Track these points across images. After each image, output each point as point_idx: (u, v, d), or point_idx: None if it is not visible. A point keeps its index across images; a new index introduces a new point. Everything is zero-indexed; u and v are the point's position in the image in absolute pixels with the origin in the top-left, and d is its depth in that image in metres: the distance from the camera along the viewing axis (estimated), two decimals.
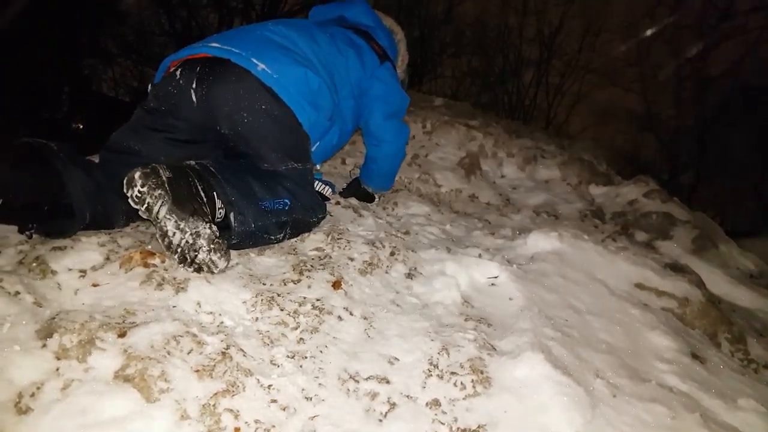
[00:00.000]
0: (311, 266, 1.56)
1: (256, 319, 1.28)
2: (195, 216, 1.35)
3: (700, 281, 2.19)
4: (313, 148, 1.81)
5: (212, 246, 1.35)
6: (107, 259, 1.40)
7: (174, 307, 1.24)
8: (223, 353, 1.11)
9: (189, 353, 1.09)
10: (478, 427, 1.10)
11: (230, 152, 1.68)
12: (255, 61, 1.60)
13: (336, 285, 1.48)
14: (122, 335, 1.08)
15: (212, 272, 1.36)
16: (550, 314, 1.54)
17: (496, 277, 1.72)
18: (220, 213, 1.45)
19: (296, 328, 1.28)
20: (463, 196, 2.95)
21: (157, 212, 1.32)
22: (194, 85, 1.57)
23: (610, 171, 3.57)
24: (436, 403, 1.15)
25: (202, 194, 1.40)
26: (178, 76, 1.60)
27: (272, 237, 1.61)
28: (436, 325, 1.40)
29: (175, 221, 1.33)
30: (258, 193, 1.54)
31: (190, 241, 1.33)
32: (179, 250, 1.34)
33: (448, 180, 2.99)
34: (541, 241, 1.98)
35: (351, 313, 1.38)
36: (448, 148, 3.37)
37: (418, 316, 1.43)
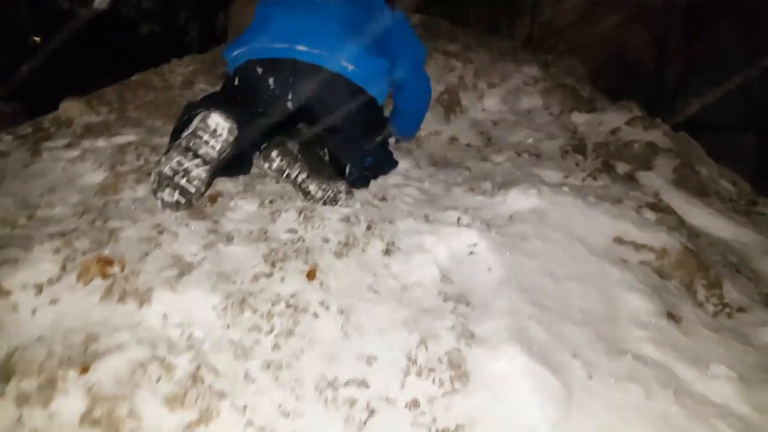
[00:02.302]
0: (284, 254, 1.50)
1: (228, 326, 1.25)
2: (331, 179, 1.74)
3: (680, 221, 2.19)
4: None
5: (347, 195, 1.78)
6: (63, 269, 1.33)
7: (139, 323, 1.20)
8: (194, 377, 1.08)
9: (158, 381, 1.06)
10: (457, 427, 1.10)
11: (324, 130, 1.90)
12: (345, 63, 1.79)
13: (310, 274, 1.44)
14: (85, 371, 1.04)
15: (348, 206, 1.76)
16: (528, 285, 1.53)
17: (475, 245, 1.69)
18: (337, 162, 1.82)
19: (271, 332, 1.25)
20: (442, 139, 2.84)
21: (297, 179, 1.71)
22: (290, 95, 1.79)
23: (594, 95, 3.45)
24: (414, 403, 1.15)
25: (327, 158, 1.78)
26: (272, 85, 1.78)
27: (363, 177, 1.96)
28: (415, 312, 1.38)
29: (317, 184, 1.72)
30: (354, 150, 1.88)
31: (331, 196, 1.74)
32: (321, 201, 1.73)
33: (427, 122, 2.86)
34: (520, 199, 1.92)
35: (327, 308, 1.34)
36: None
37: (396, 303, 1.40)
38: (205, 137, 1.53)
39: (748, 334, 1.70)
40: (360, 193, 1.94)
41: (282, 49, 1.76)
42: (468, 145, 2.83)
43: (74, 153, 2.13)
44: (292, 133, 1.81)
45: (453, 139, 2.84)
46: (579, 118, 3.23)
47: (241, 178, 1.90)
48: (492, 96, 3.28)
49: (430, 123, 2.86)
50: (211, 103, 1.65)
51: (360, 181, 1.96)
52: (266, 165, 1.73)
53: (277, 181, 1.87)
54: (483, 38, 4.68)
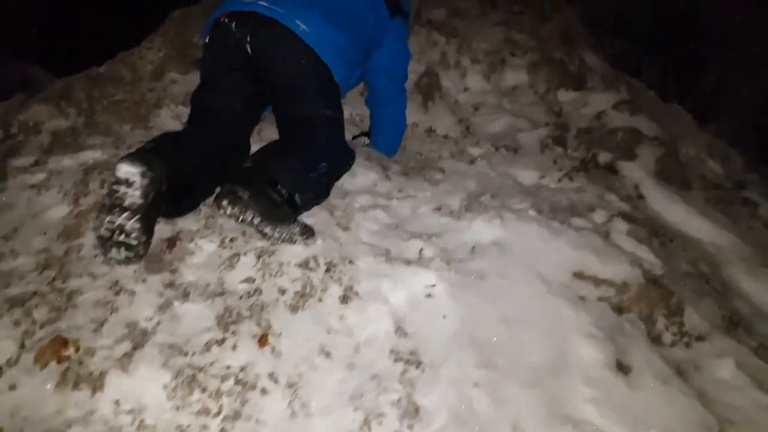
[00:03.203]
0: (237, 315, 1.53)
1: (177, 408, 1.30)
2: (285, 220, 1.76)
3: (652, 232, 2.18)
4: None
5: (304, 234, 1.78)
6: (22, 346, 1.38)
7: (92, 413, 1.26)
8: None
9: None
10: None
11: (277, 98, 2.01)
12: (298, 22, 1.84)
13: (262, 340, 1.47)
14: None
15: (307, 243, 1.78)
16: (480, 338, 1.56)
17: (433, 286, 1.71)
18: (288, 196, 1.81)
19: (218, 414, 1.30)
20: (419, 131, 2.78)
21: (252, 223, 1.72)
22: (249, 39, 1.86)
23: (583, 69, 3.28)
24: None
25: (277, 196, 1.76)
26: (234, 29, 1.87)
27: (322, 189, 1.99)
28: (364, 379, 1.42)
29: (271, 227, 1.73)
30: (304, 168, 1.87)
31: (287, 237, 1.76)
32: (280, 241, 1.76)
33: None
34: (484, 229, 1.91)
35: (276, 381, 1.39)
36: None
37: (346, 371, 1.44)
38: (122, 189, 1.53)
39: (702, 366, 1.74)
40: (323, 221, 1.93)
41: (247, 3, 1.88)
42: (446, 136, 2.77)
43: (40, 176, 2.11)
44: (242, 174, 1.79)
45: (430, 131, 2.77)
46: (565, 96, 3.13)
47: (203, 212, 1.90)
48: (475, 73, 3.14)
49: (408, 114, 2.77)
50: (135, 151, 1.65)
51: (319, 195, 1.97)
52: (220, 212, 1.75)
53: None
54: None
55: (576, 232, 1.94)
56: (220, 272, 1.68)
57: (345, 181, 2.19)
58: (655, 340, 1.78)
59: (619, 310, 1.78)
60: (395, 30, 2.23)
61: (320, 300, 1.63)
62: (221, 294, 1.61)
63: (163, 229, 1.83)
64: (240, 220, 1.72)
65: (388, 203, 2.11)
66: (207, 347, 1.44)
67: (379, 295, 1.66)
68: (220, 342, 1.46)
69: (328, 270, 1.72)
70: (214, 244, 1.78)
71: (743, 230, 2.49)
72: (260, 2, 1.87)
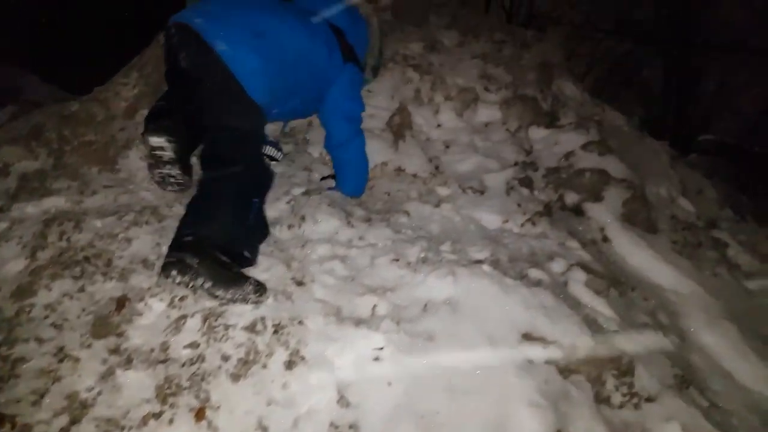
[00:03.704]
0: (177, 385, 1.54)
1: None
2: (236, 281, 1.78)
3: (611, 282, 2.18)
4: (270, 116, 2.21)
5: (256, 293, 1.79)
6: None
7: None
8: None
9: None
10: None
11: (194, 108, 2.02)
12: (220, 42, 1.93)
13: (199, 414, 1.48)
14: None
15: (258, 304, 1.80)
16: (423, 410, 1.56)
17: (381, 349, 1.71)
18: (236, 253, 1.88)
19: None
20: (388, 170, 2.78)
21: (203, 287, 1.74)
22: (182, 54, 1.98)
23: (556, 105, 3.29)
24: None
25: (225, 258, 1.80)
26: (175, 38, 2.01)
27: (262, 227, 2.07)
28: None
29: (223, 290, 1.76)
30: (240, 215, 1.92)
31: (240, 297, 1.77)
32: (231, 302, 1.78)
33: (373, 153, 2.78)
34: (436, 286, 1.91)
35: None
36: (380, 97, 3.07)
37: None
38: (158, 152, 1.90)
39: (649, 430, 1.75)
40: (278, 276, 1.94)
41: (189, 15, 2.00)
42: (415, 175, 2.77)
43: (3, 225, 2.14)
44: (185, 244, 1.79)
45: (399, 170, 2.78)
46: (537, 134, 3.13)
47: (156, 267, 1.91)
48: (448, 110, 3.15)
49: (377, 152, 2.78)
50: (147, 120, 1.97)
51: (263, 234, 2.07)
52: (168, 281, 1.75)
53: None
54: (460, 13, 4.43)
55: (528, 289, 1.94)
56: (165, 336, 1.69)
57: (306, 229, 2.20)
58: (604, 402, 1.78)
59: (566, 372, 1.78)
60: (348, 74, 2.36)
61: (264, 366, 1.64)
62: (164, 361, 1.62)
63: (114, 287, 1.85)
64: (190, 286, 1.74)
65: (347, 253, 2.11)
66: (144, 421, 1.45)
67: (325, 360, 1.67)
68: (158, 416, 1.47)
69: (276, 332, 1.73)
70: (163, 304, 1.80)
71: (707, 277, 2.49)
72: (197, 19, 1.98)
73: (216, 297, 1.77)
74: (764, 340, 2.26)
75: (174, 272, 1.71)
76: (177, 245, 1.77)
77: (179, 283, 1.72)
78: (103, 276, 1.88)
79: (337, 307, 1.85)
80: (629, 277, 2.42)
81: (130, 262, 1.93)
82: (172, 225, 2.04)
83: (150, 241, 2.02)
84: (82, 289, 1.84)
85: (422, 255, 2.11)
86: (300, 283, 1.93)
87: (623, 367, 1.85)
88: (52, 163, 2.51)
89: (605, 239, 2.61)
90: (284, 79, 2.10)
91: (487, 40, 4.08)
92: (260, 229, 2.06)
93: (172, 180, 1.98)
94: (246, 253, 1.89)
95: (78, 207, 2.22)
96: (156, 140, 1.87)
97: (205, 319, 1.72)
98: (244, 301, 1.78)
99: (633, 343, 1.97)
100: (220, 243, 1.79)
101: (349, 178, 2.49)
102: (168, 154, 1.90)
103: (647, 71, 7.47)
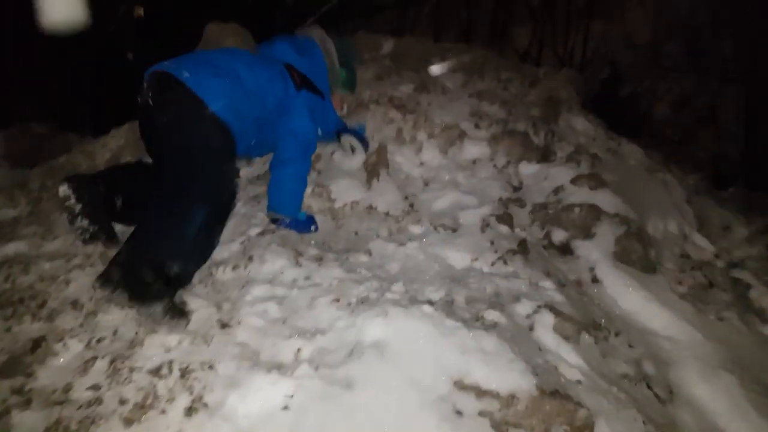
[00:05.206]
0: (65, 428, 1.45)
1: None
2: (151, 300, 1.75)
3: (580, 328, 1.93)
4: (241, 147, 2.26)
5: (166, 315, 1.77)
6: None
7: None
8: None
9: None
10: None
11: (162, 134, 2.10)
12: (185, 71, 2.07)
13: None
14: None
15: (176, 331, 1.78)
16: None
17: (291, 397, 1.56)
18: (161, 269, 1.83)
19: None
20: (359, 209, 2.68)
21: (123, 302, 1.79)
22: (149, 89, 2.10)
23: (548, 140, 3.10)
24: None
25: (149, 275, 1.77)
26: (146, 86, 2.12)
27: (203, 243, 2.02)
28: None
29: (138, 308, 1.78)
30: (175, 224, 1.89)
31: (150, 317, 1.76)
32: (153, 320, 1.77)
33: (344, 191, 2.71)
34: (367, 327, 1.74)
35: None
36: None
37: None
38: (67, 203, 2.09)
39: None
40: (204, 318, 1.85)
41: (157, 65, 2.14)
42: (387, 214, 2.65)
43: None
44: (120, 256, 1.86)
45: (370, 208, 2.66)
46: (527, 169, 2.95)
47: (85, 307, 1.88)
48: (431, 147, 3.04)
49: (348, 191, 2.70)
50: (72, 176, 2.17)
51: (203, 251, 2.04)
52: (96, 293, 1.90)
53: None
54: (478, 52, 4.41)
55: (469, 332, 1.73)
56: (72, 377, 1.63)
57: (252, 270, 2.12)
58: None
59: (503, 426, 1.54)
60: (301, 101, 2.47)
61: (163, 412, 1.53)
62: (61, 403, 1.54)
63: (39, 328, 1.82)
64: (112, 300, 1.82)
65: (287, 293, 2.00)
66: None
67: (228, 407, 1.53)
68: None
69: (183, 376, 1.62)
70: (81, 344, 1.75)
71: (710, 322, 2.16)
72: (164, 63, 2.14)
73: (137, 311, 1.81)
74: None
75: (97, 284, 1.80)
76: (112, 261, 1.85)
77: (102, 297, 1.84)
78: (32, 317, 1.87)
79: (256, 352, 1.72)
80: (616, 322, 2.13)
81: (61, 304, 1.91)
82: None
83: (87, 284, 2.00)
84: (9, 330, 1.83)
85: (365, 295, 1.96)
86: (225, 326, 1.83)
87: (578, 422, 1.58)
88: (28, 210, 2.62)
89: (594, 280, 2.35)
90: (247, 102, 2.20)
91: (492, 78, 4.00)
92: (200, 251, 2.02)
93: (87, 235, 2.14)
94: (175, 270, 1.86)
95: (36, 251, 2.26)
96: (63, 190, 2.06)
97: (112, 361, 1.65)
98: (155, 322, 1.76)
99: (597, 395, 1.70)
100: (151, 259, 1.81)
101: (283, 194, 2.40)
102: (77, 206, 2.06)
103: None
